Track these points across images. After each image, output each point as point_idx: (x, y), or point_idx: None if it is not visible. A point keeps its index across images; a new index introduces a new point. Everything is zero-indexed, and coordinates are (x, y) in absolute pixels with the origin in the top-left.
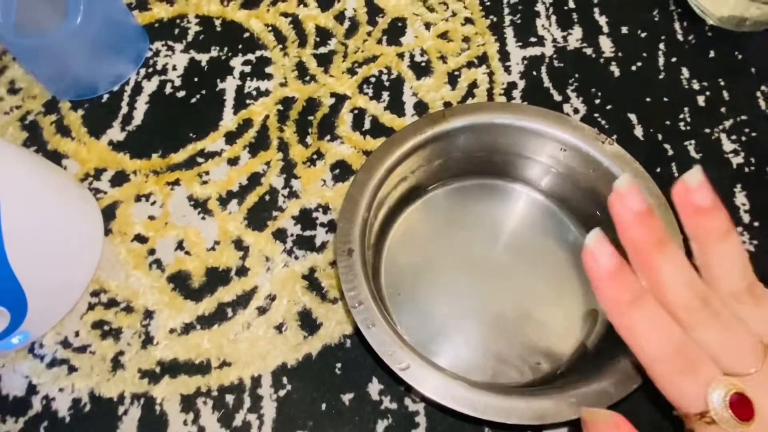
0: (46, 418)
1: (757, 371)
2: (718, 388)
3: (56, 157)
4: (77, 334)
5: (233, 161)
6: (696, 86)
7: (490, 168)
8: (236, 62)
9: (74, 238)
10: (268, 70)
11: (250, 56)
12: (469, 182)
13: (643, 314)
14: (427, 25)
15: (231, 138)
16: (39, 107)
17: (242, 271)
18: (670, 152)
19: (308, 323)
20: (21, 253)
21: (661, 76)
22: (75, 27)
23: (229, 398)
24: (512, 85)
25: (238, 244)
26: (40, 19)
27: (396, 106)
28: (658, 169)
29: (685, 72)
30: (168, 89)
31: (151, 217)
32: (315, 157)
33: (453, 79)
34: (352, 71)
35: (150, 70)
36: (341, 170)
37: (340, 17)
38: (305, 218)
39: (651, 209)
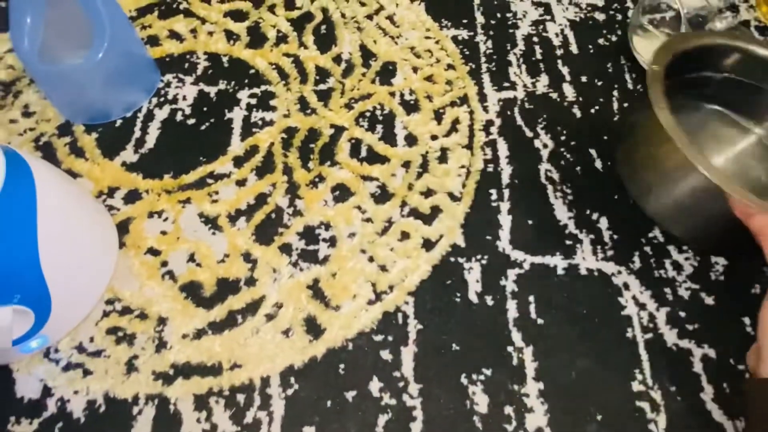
0: (61, 419)
1: None
2: None
3: (70, 176)
4: (92, 339)
5: (241, 182)
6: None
7: None
8: (243, 95)
9: (93, 249)
10: (272, 102)
11: (256, 90)
12: None
13: None
14: (415, 69)
15: (239, 162)
16: (53, 129)
17: (251, 282)
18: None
19: (313, 328)
20: (51, 260)
21: (615, 118)
22: (97, 59)
23: (240, 397)
24: (490, 122)
25: (247, 257)
26: (63, 48)
27: (389, 137)
28: (616, 196)
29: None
30: (179, 117)
31: (164, 232)
32: (317, 180)
33: (438, 115)
34: (349, 106)
35: (161, 99)
36: (341, 192)
37: (337, 59)
38: (309, 234)
39: None
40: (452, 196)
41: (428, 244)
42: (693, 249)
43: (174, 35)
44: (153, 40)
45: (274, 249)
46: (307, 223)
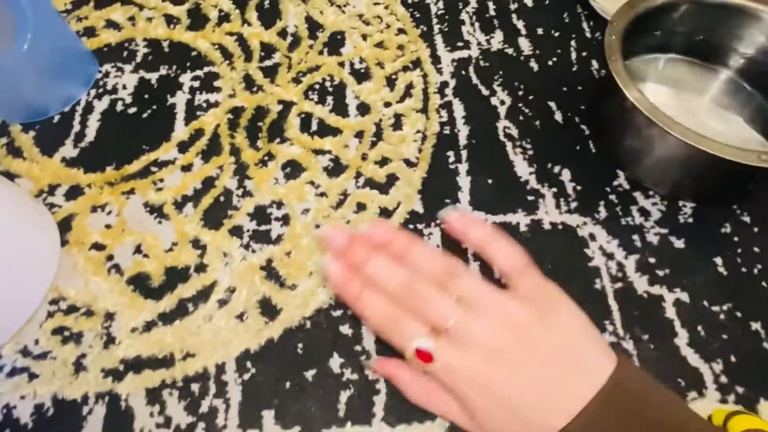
0: (8, 426)
1: (456, 320)
2: (411, 343)
3: (8, 178)
4: (37, 342)
5: (187, 168)
6: (603, 74)
7: None
8: (185, 78)
9: (28, 251)
10: (216, 83)
11: (199, 72)
12: None
13: (365, 294)
14: (364, 37)
15: (183, 147)
16: None
17: (201, 268)
18: (587, 132)
19: (268, 310)
20: None
21: (574, 68)
22: (23, 53)
23: (195, 387)
24: (444, 84)
25: (196, 244)
26: None
27: (340, 109)
28: (578, 147)
29: (594, 63)
30: (119, 107)
31: (108, 226)
32: (266, 158)
33: (391, 82)
34: (297, 80)
35: (100, 90)
36: (292, 168)
37: (282, 34)
38: (260, 214)
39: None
40: (408, 162)
41: (386, 213)
42: (659, 194)
43: (111, 24)
44: (90, 32)
45: (224, 233)
46: (258, 203)
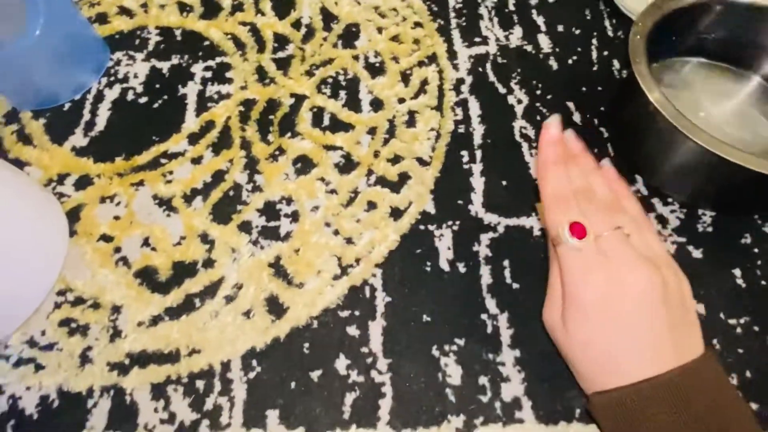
0: (13, 416)
1: (608, 234)
2: (571, 217)
3: (18, 165)
4: (44, 332)
5: (197, 160)
6: (625, 75)
7: None
8: (197, 68)
9: (37, 241)
10: (228, 74)
11: (211, 63)
12: None
13: (554, 172)
14: (380, 30)
15: (194, 139)
16: None
17: (209, 263)
18: (605, 134)
19: (275, 308)
20: None
21: (594, 68)
22: (34, 40)
23: (200, 384)
24: (460, 81)
25: (204, 238)
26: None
27: (353, 104)
28: (596, 150)
29: (616, 63)
30: (130, 96)
31: (116, 217)
32: (277, 153)
33: (405, 77)
34: (310, 73)
35: (111, 78)
36: (303, 164)
37: (296, 24)
38: (269, 210)
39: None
40: (421, 161)
41: (396, 213)
42: (679, 201)
43: (124, 11)
44: (101, 18)
45: (233, 228)
46: (268, 199)
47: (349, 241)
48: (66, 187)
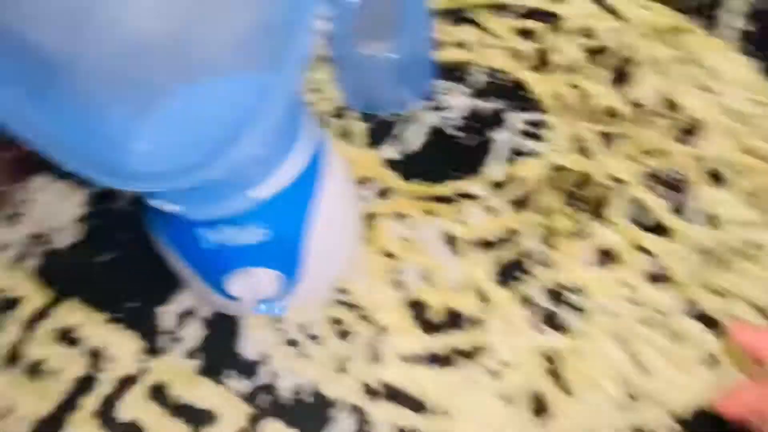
0: (270, 392)
1: None
2: None
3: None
4: (316, 323)
5: (491, 210)
6: None
7: None
8: (514, 118)
9: (347, 232)
10: (544, 133)
11: (529, 116)
12: None
13: None
14: (731, 134)
15: (493, 188)
16: (331, 109)
17: (477, 323)
18: None
19: (540, 409)
20: (319, 229)
21: None
22: (393, 53)
23: None
24: None
25: (481, 295)
26: (364, 40)
27: (679, 209)
28: None
29: None
30: (447, 126)
31: (405, 239)
32: (578, 233)
33: (751, 200)
34: (634, 159)
35: (433, 104)
36: (605, 257)
37: (629, 101)
38: (556, 294)
39: None
40: (757, 308)
41: (712, 362)
42: None
43: (459, 42)
44: (437, 44)
45: (513, 297)
46: (557, 280)
47: (640, 367)
48: (366, 193)
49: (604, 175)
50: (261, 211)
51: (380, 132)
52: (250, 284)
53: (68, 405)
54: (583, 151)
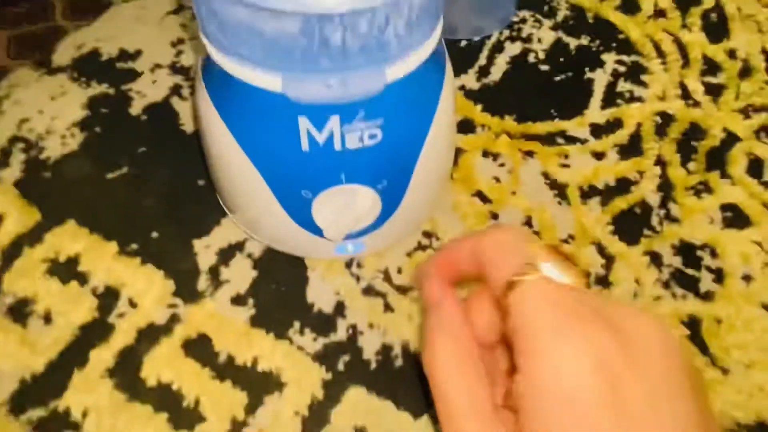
0: (350, 351)
1: None
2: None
3: None
4: (400, 270)
5: (599, 156)
6: None
7: None
8: (608, 58)
9: (443, 168)
10: (643, 78)
11: (625, 57)
12: None
13: None
14: None
15: (597, 131)
16: None
17: (604, 283)
18: None
19: None
20: (424, 161)
21: None
22: None
23: None
24: None
25: (600, 250)
26: None
27: None
28: None
29: None
30: (531, 58)
31: (497, 179)
32: (701, 188)
33: None
34: (745, 113)
35: (514, 34)
36: (734, 215)
37: (731, 54)
38: (688, 253)
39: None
40: None
41: None
42: None
43: None
44: None
45: (639, 253)
46: (685, 239)
47: None
48: None
49: (715, 127)
50: (385, 98)
51: (455, 60)
52: (343, 210)
53: (71, 359)
54: (688, 99)
